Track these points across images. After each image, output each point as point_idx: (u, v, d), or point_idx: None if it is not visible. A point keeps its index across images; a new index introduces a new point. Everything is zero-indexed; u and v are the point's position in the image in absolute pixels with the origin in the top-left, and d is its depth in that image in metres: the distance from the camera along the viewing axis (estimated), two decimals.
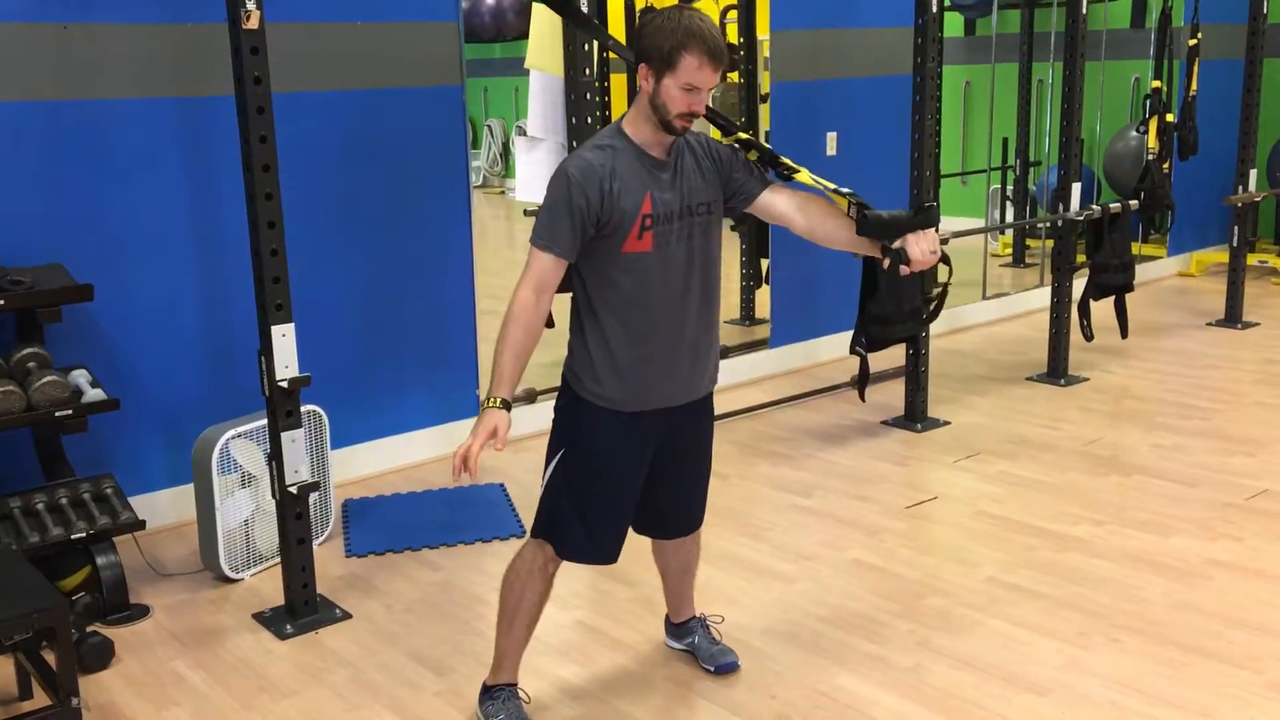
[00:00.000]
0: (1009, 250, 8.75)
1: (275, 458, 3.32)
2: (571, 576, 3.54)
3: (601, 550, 2.76)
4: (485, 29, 12.45)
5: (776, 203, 2.74)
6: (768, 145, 2.81)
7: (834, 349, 5.98)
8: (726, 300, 6.81)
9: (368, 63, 4.32)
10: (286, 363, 3.25)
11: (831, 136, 5.92)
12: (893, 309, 4.77)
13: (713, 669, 3.07)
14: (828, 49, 5.82)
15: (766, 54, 5.78)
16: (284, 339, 3.23)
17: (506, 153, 13.60)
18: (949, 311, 6.83)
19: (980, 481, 4.40)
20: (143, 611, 3.49)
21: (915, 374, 5.06)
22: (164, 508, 4.02)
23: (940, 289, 3.10)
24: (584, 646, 3.24)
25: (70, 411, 3.44)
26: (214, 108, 3.90)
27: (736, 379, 5.75)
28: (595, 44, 3.79)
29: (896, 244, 2.60)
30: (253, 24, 3.06)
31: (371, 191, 4.41)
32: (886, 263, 2.64)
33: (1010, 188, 8.50)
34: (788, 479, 4.48)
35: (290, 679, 3.11)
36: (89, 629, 3.24)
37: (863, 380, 4.81)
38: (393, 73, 4.38)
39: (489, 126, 13.85)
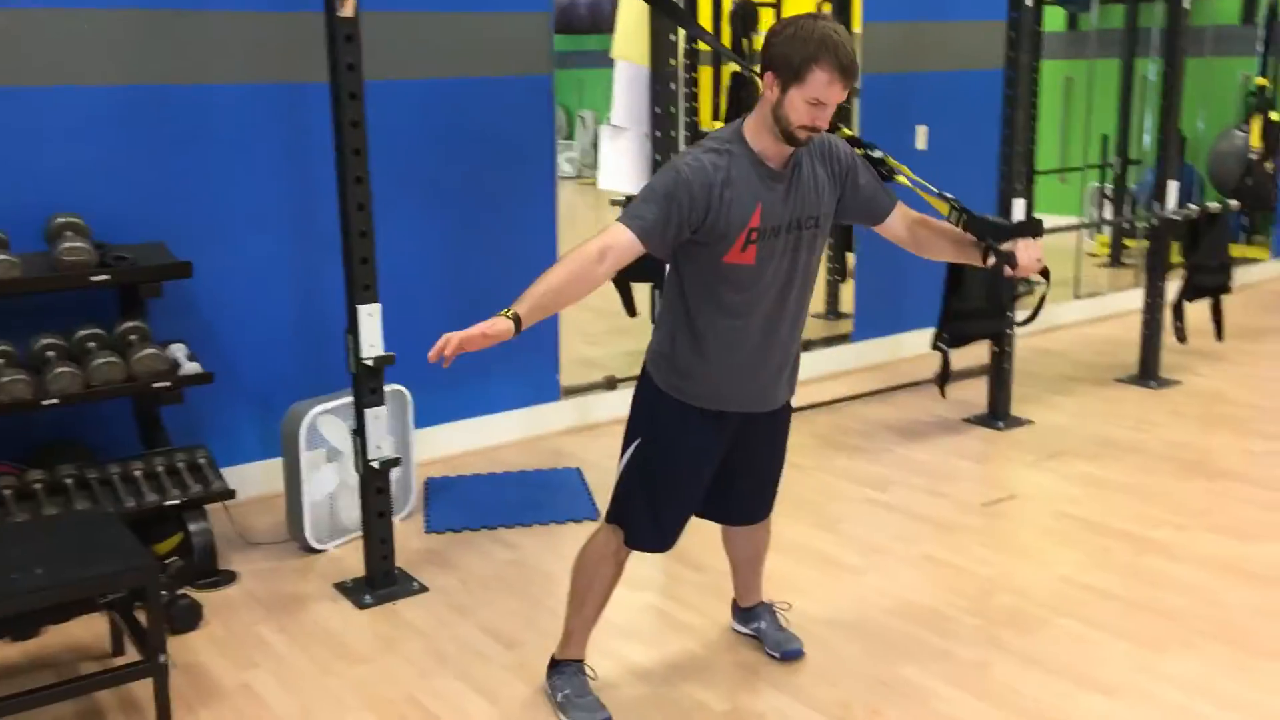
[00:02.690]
0: (1107, 250, 8.58)
1: (359, 433, 3.43)
2: (643, 560, 3.54)
3: (665, 540, 2.80)
4: (582, 21, 12.58)
5: (894, 223, 2.75)
6: (871, 144, 2.81)
7: (917, 345, 5.92)
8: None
9: (460, 51, 4.41)
10: (372, 341, 3.35)
11: (921, 130, 5.87)
12: (976, 305, 4.74)
13: (778, 655, 3.10)
14: (921, 41, 5.77)
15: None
16: (370, 318, 3.33)
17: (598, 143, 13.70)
18: None
19: (1061, 482, 4.35)
20: (231, 577, 3.63)
21: (999, 372, 5.00)
22: (255, 479, 4.17)
23: (1040, 298, 3.17)
24: (652, 628, 3.29)
25: (168, 383, 3.59)
26: (314, 93, 4.02)
27: (818, 372, 5.75)
28: (682, 34, 3.83)
29: (1006, 246, 2.63)
30: (347, 11, 3.16)
31: (461, 177, 4.51)
32: (991, 261, 2.65)
33: (1110, 186, 8.34)
34: (864, 472, 4.47)
35: (366, 646, 3.21)
36: (179, 592, 3.38)
37: (944, 376, 4.77)
38: (484, 62, 4.47)
39: (582, 118, 13.96)
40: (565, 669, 2.89)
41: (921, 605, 3.39)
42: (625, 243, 2.46)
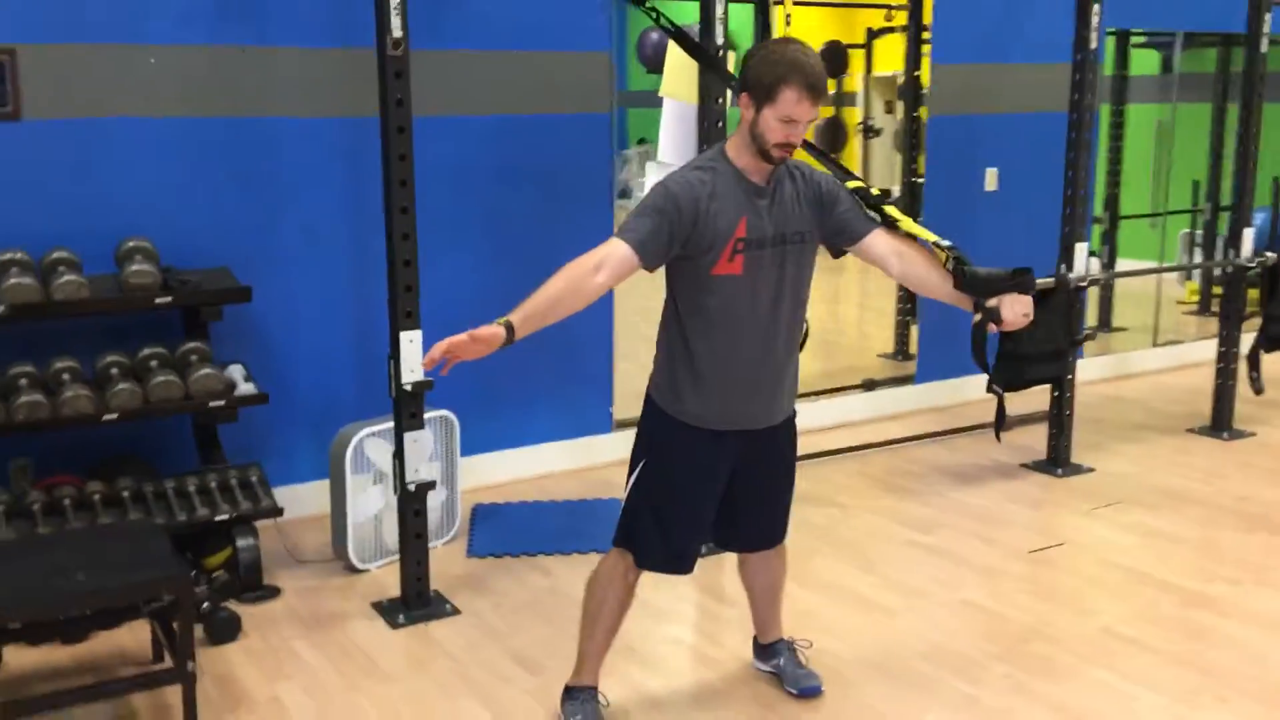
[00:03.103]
0: (1196, 297, 8.35)
1: (398, 455, 3.52)
2: (674, 593, 3.62)
3: (677, 561, 2.84)
4: None
5: (877, 245, 2.78)
6: (876, 191, 2.84)
7: (981, 388, 5.83)
8: (881, 334, 6.77)
9: (523, 89, 4.53)
10: (412, 367, 3.44)
11: (991, 172, 5.82)
12: (1032, 348, 4.66)
13: (795, 691, 3.09)
14: (990, 83, 5.73)
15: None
16: (411, 345, 3.43)
17: None
18: (1115, 357, 6.62)
19: (1114, 531, 4.25)
20: (274, 592, 3.74)
21: (1059, 417, 4.91)
22: (308, 498, 4.27)
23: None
24: (675, 660, 3.31)
25: (223, 403, 3.73)
26: (372, 127, 4.14)
27: (880, 413, 5.70)
28: None
29: (992, 303, 2.64)
30: (397, 50, 3.28)
31: (520, 212, 4.60)
32: (977, 317, 2.67)
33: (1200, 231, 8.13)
34: (911, 514, 4.42)
35: (396, 665, 3.28)
36: (221, 605, 3.48)
37: (999, 420, 4.69)
38: (546, 99, 4.58)
39: None
40: (578, 695, 2.92)
41: (952, 650, 3.34)
42: (621, 255, 2.56)
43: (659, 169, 3.83)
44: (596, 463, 4.91)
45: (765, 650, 3.19)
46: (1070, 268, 4.74)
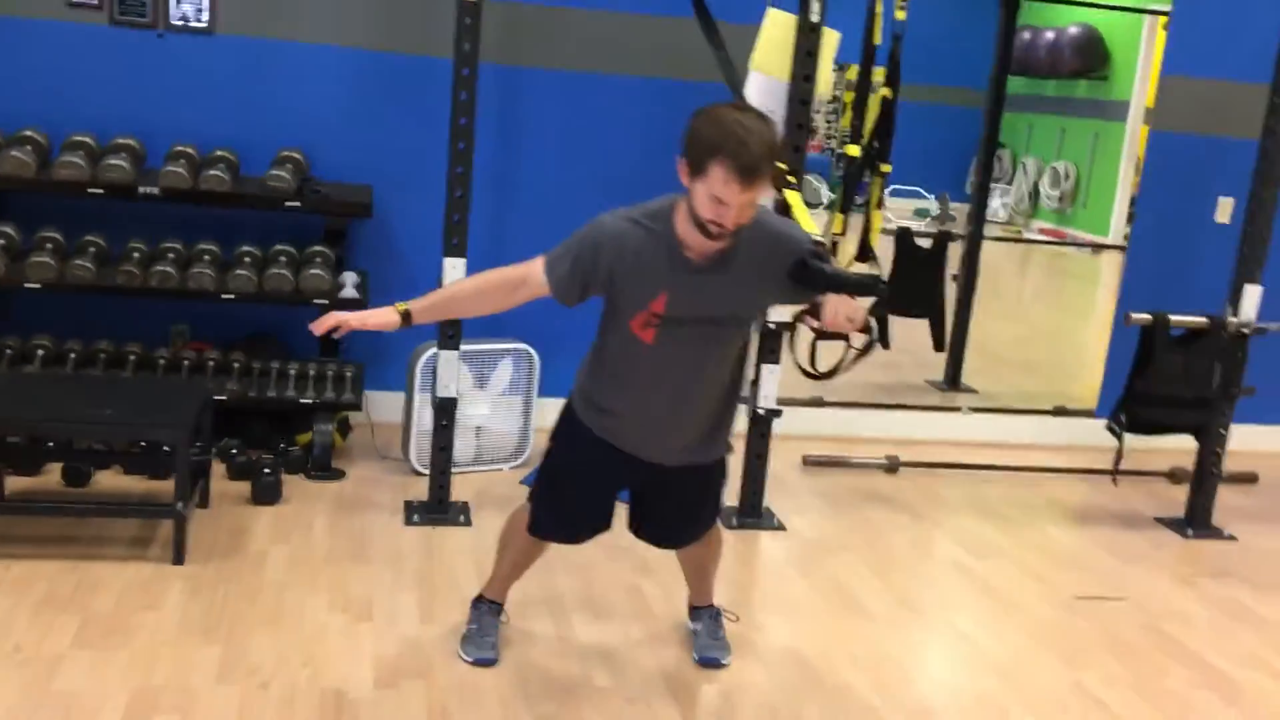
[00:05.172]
0: None
1: (434, 371, 3.83)
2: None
3: (564, 534, 2.95)
4: (1040, 64, 12.12)
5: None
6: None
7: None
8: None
9: (681, 53, 4.66)
10: None
11: (1226, 202, 5.24)
12: (1167, 391, 4.24)
13: (697, 658, 3.11)
14: (1231, 102, 5.15)
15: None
16: (454, 270, 3.72)
17: (1036, 192, 13.11)
18: None
19: (1196, 603, 3.81)
20: (339, 475, 4.18)
21: (1200, 474, 4.41)
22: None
23: (852, 353, 2.70)
24: (617, 606, 3.39)
25: (326, 301, 4.20)
26: (522, 76, 4.48)
27: (1048, 441, 5.33)
28: (828, 55, 3.82)
29: (820, 299, 2.49)
30: None
31: (660, 173, 4.74)
32: (801, 308, 2.57)
33: None
34: (980, 539, 4.17)
35: (379, 553, 3.61)
36: (274, 472, 3.93)
37: (1117, 462, 4.31)
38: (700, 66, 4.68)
39: (1024, 164, 13.40)
40: (482, 606, 3.10)
41: (891, 665, 3.20)
42: (540, 283, 2.56)
43: None
44: None
45: (692, 611, 3.22)
46: (1236, 311, 4.24)
